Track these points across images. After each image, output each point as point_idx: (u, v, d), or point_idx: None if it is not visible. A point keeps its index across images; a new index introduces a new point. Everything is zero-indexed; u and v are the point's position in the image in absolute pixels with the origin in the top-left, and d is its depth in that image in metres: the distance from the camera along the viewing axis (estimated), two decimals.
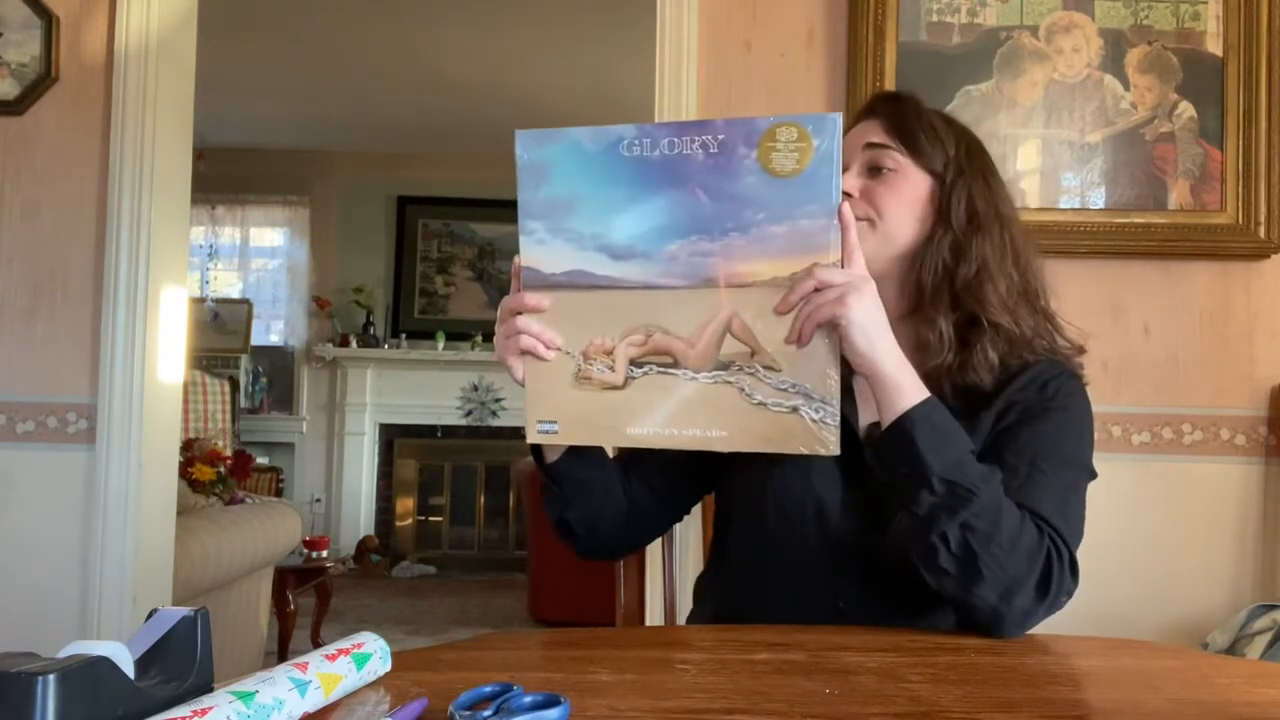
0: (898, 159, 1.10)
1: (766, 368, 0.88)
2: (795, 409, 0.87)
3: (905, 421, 0.92)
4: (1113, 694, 0.78)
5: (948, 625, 1.01)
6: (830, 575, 1.06)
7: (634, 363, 0.91)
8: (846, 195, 1.03)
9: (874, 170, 1.10)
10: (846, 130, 1.15)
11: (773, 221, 0.87)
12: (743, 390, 0.88)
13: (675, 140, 0.87)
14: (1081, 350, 1.12)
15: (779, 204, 0.86)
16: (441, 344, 5.88)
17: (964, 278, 1.06)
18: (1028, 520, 0.94)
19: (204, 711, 0.55)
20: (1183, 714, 0.61)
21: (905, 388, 0.93)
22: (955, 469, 0.91)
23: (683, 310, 0.89)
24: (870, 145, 1.11)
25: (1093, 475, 1.05)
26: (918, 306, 1.08)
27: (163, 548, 2.37)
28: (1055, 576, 0.92)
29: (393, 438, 6.08)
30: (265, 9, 3.99)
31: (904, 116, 1.12)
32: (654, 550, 1.61)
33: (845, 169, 1.09)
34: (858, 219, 1.02)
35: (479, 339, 5.90)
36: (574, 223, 0.90)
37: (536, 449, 1.06)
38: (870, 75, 2.08)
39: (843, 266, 0.88)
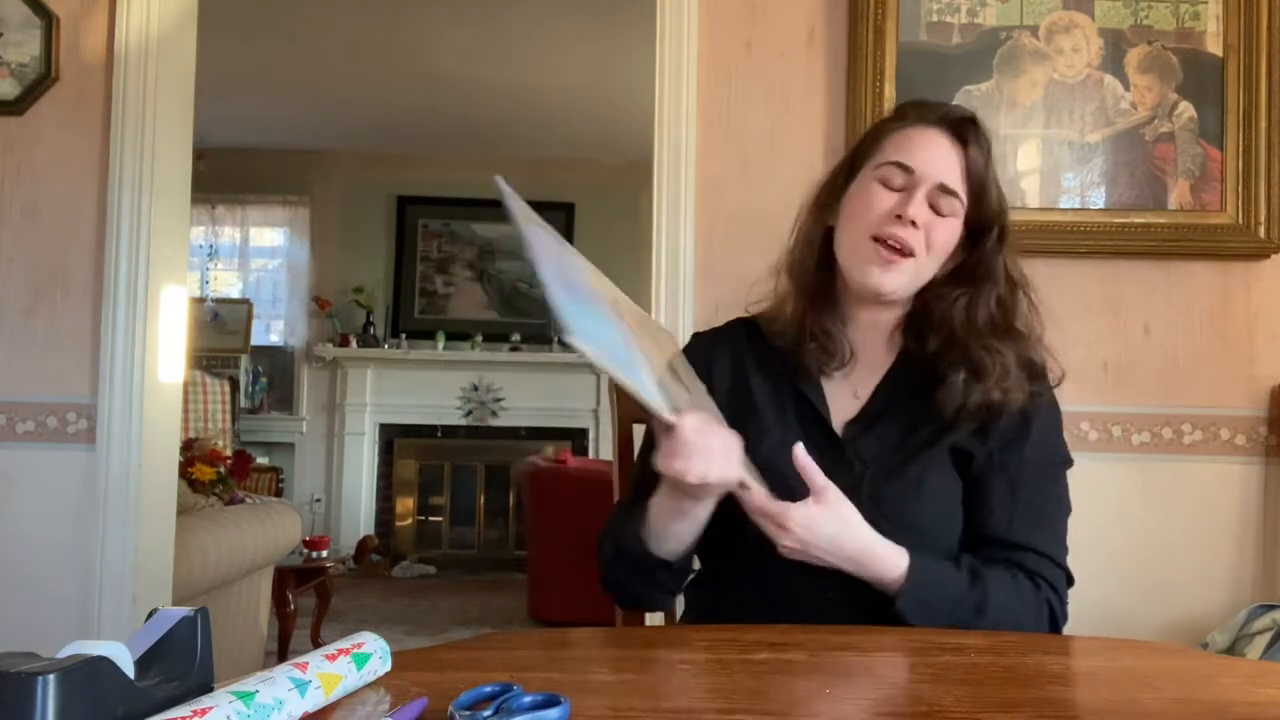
0: (957, 208, 1.13)
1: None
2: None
3: (900, 613, 1.01)
4: (1113, 694, 0.78)
5: None
6: (814, 570, 1.06)
7: None
8: (911, 223, 1.10)
9: (934, 207, 1.12)
10: (909, 120, 1.15)
11: None
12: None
13: None
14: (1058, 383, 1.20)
15: None
16: (441, 344, 5.88)
17: (1012, 330, 1.15)
18: (1025, 592, 1.06)
19: (204, 711, 0.55)
20: (1183, 714, 0.61)
21: (880, 558, 1.02)
22: (955, 618, 1.01)
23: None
24: (946, 190, 1.12)
25: (1070, 463, 1.16)
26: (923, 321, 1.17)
27: (163, 548, 2.37)
28: (1059, 619, 1.08)
29: (393, 438, 6.08)
30: (265, 9, 3.99)
31: (982, 168, 1.14)
32: None
33: (912, 186, 1.11)
34: (909, 254, 1.11)
35: (479, 339, 5.90)
36: None
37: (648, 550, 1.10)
38: (870, 75, 2.08)
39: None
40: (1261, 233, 2.05)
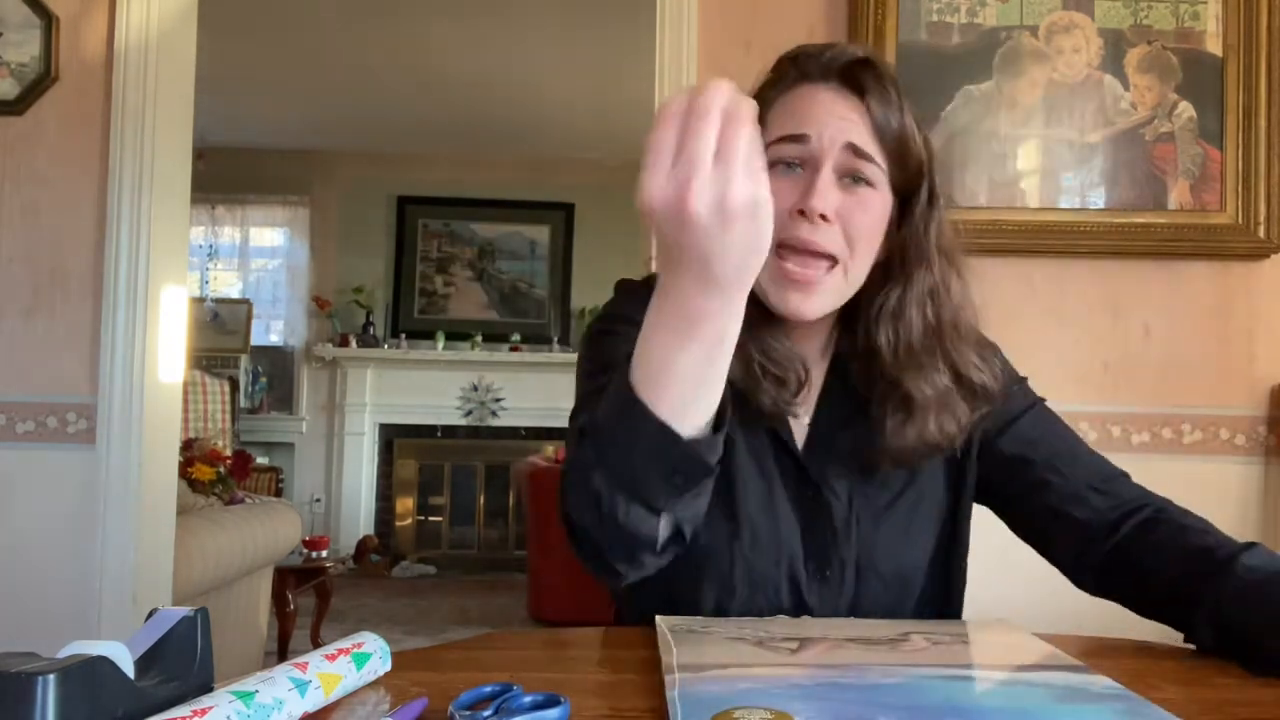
0: (877, 175, 0.88)
1: None
2: None
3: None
4: None
5: None
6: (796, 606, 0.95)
7: None
8: (820, 217, 0.85)
9: (846, 178, 0.87)
10: (788, 80, 0.90)
11: None
12: None
13: None
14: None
15: None
16: (441, 344, 5.89)
17: (948, 330, 0.92)
18: (1188, 519, 0.98)
19: (204, 711, 0.55)
20: (1183, 714, 0.61)
21: None
22: None
23: None
24: (858, 152, 0.87)
25: (1041, 399, 1.05)
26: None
27: (163, 548, 2.37)
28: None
29: (393, 438, 6.09)
30: (265, 9, 3.99)
31: (891, 109, 0.88)
32: None
33: (811, 160, 0.86)
34: (826, 255, 0.86)
35: (479, 339, 5.90)
36: None
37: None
38: None
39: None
40: (1261, 233, 2.05)
